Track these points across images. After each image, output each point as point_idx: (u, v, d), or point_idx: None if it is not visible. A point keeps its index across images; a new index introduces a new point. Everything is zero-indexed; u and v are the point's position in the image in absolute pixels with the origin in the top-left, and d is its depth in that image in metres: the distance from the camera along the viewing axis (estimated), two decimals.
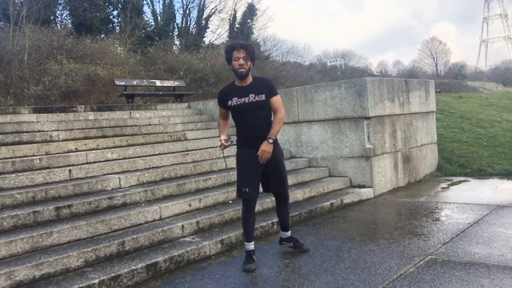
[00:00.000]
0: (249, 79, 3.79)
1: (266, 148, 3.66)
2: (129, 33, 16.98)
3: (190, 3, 22.88)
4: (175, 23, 22.45)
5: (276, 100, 3.79)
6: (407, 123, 7.67)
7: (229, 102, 3.78)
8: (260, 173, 3.80)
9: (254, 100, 3.71)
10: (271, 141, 3.67)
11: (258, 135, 3.72)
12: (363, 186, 6.73)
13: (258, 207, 5.29)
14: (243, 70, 3.68)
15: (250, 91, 3.73)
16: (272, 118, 3.83)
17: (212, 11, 23.85)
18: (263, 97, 3.73)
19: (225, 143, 3.73)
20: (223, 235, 4.44)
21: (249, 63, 3.71)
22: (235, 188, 5.60)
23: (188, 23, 22.94)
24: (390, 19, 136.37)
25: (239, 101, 3.73)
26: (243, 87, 3.76)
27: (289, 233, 4.13)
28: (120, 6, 19.19)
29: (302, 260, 3.93)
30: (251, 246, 3.85)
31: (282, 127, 3.87)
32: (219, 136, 3.89)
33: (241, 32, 24.33)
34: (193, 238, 4.41)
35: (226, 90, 3.87)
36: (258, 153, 3.66)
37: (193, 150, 7.06)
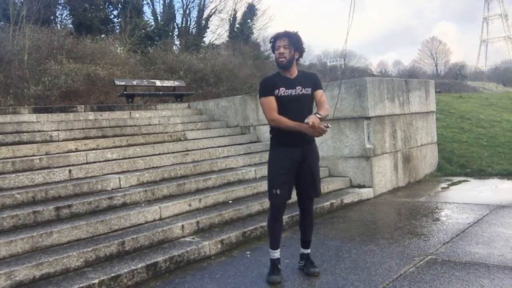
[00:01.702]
0: (295, 71, 3.48)
1: (314, 120, 3.14)
2: (129, 33, 16.98)
3: (190, 3, 22.90)
4: (175, 23, 22.47)
5: (322, 93, 3.50)
6: (407, 123, 7.67)
7: (276, 91, 3.41)
8: (294, 176, 3.48)
9: (301, 93, 3.42)
10: (319, 116, 3.22)
11: (300, 132, 3.33)
12: (363, 186, 6.73)
13: (258, 207, 5.30)
14: (283, 59, 3.37)
15: (297, 83, 3.43)
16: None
17: (212, 11, 23.88)
18: (309, 90, 3.46)
19: (320, 124, 3.15)
20: (223, 235, 4.44)
21: (292, 52, 3.39)
22: (235, 188, 5.64)
23: (188, 23, 22.96)
24: (392, 19, 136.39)
25: (286, 92, 3.41)
26: (290, 79, 3.45)
27: (308, 251, 3.67)
28: (120, 6, 19.20)
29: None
30: (276, 254, 3.53)
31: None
32: (298, 125, 3.29)
33: (241, 32, 24.32)
34: (193, 238, 4.41)
35: (272, 79, 3.51)
36: (307, 121, 3.17)
37: (193, 150, 7.06)
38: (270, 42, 3.52)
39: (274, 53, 3.47)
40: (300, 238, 3.68)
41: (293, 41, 3.39)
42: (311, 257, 3.68)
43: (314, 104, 3.55)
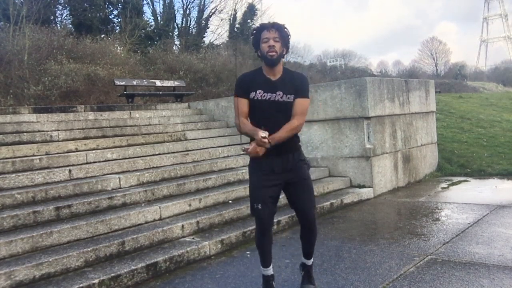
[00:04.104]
0: (279, 71, 2.99)
1: (259, 150, 2.86)
2: (129, 33, 16.99)
3: (190, 3, 22.90)
4: (175, 23, 22.48)
5: (301, 103, 2.95)
6: (407, 123, 7.67)
7: (252, 94, 2.94)
8: (279, 188, 3.05)
9: (281, 99, 2.93)
10: (264, 139, 2.82)
11: (282, 145, 2.92)
12: (363, 186, 6.73)
13: None
14: (274, 53, 2.87)
15: (279, 87, 2.94)
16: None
17: (212, 11, 23.90)
18: (291, 98, 2.95)
19: (268, 140, 2.81)
20: (223, 235, 4.44)
21: (281, 47, 2.92)
22: (235, 188, 5.64)
23: (188, 23, 22.96)
24: (394, 19, 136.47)
25: (264, 96, 2.93)
26: (271, 81, 2.96)
27: (310, 262, 3.29)
28: (120, 6, 19.20)
29: None
30: (269, 271, 3.15)
31: (290, 136, 2.95)
32: (252, 137, 2.93)
33: (241, 32, 24.33)
34: (193, 238, 4.41)
35: (250, 78, 3.01)
36: (245, 148, 2.93)
37: (193, 150, 7.06)
38: (253, 34, 3.01)
39: (257, 46, 2.97)
40: (301, 246, 3.31)
41: (283, 35, 2.93)
42: (312, 274, 3.32)
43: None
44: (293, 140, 3.03)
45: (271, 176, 2.98)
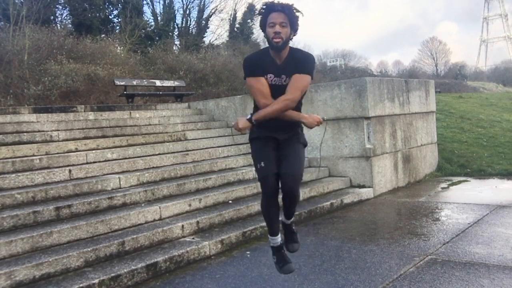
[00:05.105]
0: (285, 54, 2.85)
1: (239, 121, 2.88)
2: (129, 33, 16.98)
3: (190, 3, 22.89)
4: (175, 23, 22.46)
5: (296, 78, 2.78)
6: (407, 123, 7.67)
7: (266, 77, 2.86)
8: (275, 152, 2.97)
9: (285, 83, 2.83)
10: (249, 117, 2.84)
11: (282, 125, 2.90)
12: (363, 186, 6.73)
13: (258, 207, 5.28)
14: (279, 40, 2.74)
15: (283, 71, 2.84)
16: (300, 107, 2.98)
17: (212, 11, 23.89)
18: None
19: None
20: (223, 235, 4.44)
21: (289, 32, 2.78)
22: (235, 188, 5.64)
23: (188, 23, 22.95)
24: (396, 19, 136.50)
25: (274, 81, 2.85)
26: (278, 64, 2.85)
27: (290, 221, 3.22)
28: (120, 6, 19.20)
29: (302, 260, 3.92)
30: (278, 239, 3.07)
31: (279, 114, 2.81)
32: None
33: (241, 32, 24.34)
34: (193, 238, 4.41)
35: (260, 59, 2.89)
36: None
37: (193, 150, 7.05)
38: (260, 14, 2.84)
39: (264, 28, 2.83)
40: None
41: (291, 18, 2.77)
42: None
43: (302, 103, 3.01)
44: (295, 124, 2.96)
45: (267, 140, 2.95)
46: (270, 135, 2.96)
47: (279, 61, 2.86)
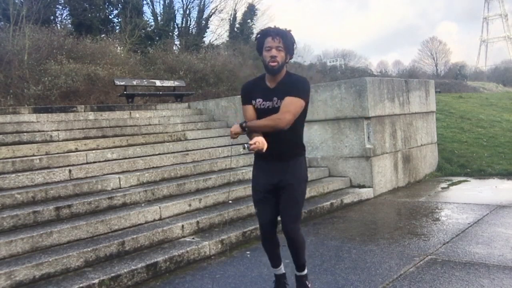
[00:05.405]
0: (281, 76, 2.92)
1: (233, 126, 2.92)
2: (129, 33, 16.99)
3: (190, 3, 22.93)
4: (175, 23, 22.49)
5: (288, 100, 2.81)
6: (407, 123, 7.67)
7: (253, 102, 2.96)
8: (274, 194, 2.99)
9: (277, 106, 2.86)
10: (241, 123, 2.87)
11: (279, 151, 2.89)
12: (363, 186, 6.73)
13: None
14: (275, 64, 2.82)
15: (275, 93, 2.88)
16: (301, 134, 3.03)
17: (212, 11, 23.94)
18: None
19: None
20: (223, 235, 4.44)
21: (284, 55, 2.86)
22: (235, 188, 5.64)
23: (188, 23, 22.98)
24: (396, 19, 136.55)
25: (263, 105, 2.92)
26: (269, 89, 2.93)
27: (302, 274, 3.15)
28: (120, 6, 19.22)
29: None
30: (277, 271, 3.17)
31: (268, 129, 2.82)
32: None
33: (241, 32, 24.36)
34: (193, 238, 4.41)
35: (252, 86, 3.03)
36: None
37: (193, 150, 7.06)
38: (257, 39, 2.95)
39: (261, 52, 2.92)
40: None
41: (287, 43, 2.86)
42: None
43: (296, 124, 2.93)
44: (295, 150, 2.98)
45: (265, 180, 2.97)
46: (267, 180, 2.97)
47: (273, 84, 2.93)
